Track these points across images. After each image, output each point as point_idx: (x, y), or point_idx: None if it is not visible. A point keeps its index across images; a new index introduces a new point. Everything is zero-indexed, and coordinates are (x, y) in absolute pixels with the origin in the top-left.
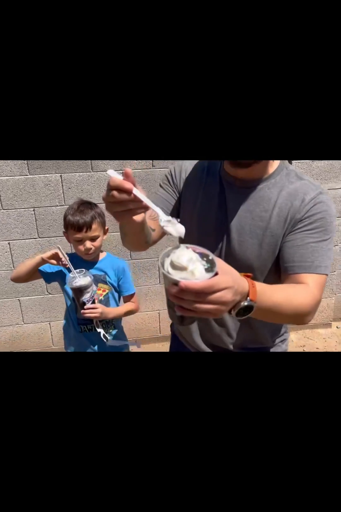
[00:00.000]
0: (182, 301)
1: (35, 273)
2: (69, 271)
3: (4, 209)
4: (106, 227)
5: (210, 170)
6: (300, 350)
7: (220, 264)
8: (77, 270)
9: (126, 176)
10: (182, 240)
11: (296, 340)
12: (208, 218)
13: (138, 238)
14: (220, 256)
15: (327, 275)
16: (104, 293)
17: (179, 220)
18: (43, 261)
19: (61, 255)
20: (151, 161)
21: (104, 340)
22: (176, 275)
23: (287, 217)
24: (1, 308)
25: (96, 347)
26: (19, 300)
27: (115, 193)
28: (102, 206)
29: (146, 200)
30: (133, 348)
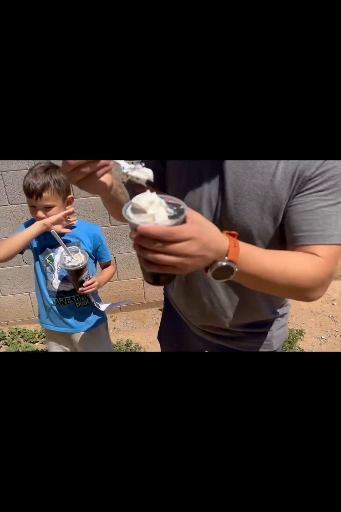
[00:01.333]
0: (142, 250)
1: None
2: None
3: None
4: (70, 196)
5: None
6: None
7: (190, 213)
8: (70, 248)
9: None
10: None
11: None
12: (199, 176)
13: (117, 206)
14: (213, 222)
15: (340, 243)
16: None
17: (143, 165)
18: (46, 228)
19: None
20: None
21: (97, 307)
22: (135, 219)
23: (295, 174)
24: (13, 301)
25: (72, 320)
26: (29, 294)
27: (69, 161)
28: None
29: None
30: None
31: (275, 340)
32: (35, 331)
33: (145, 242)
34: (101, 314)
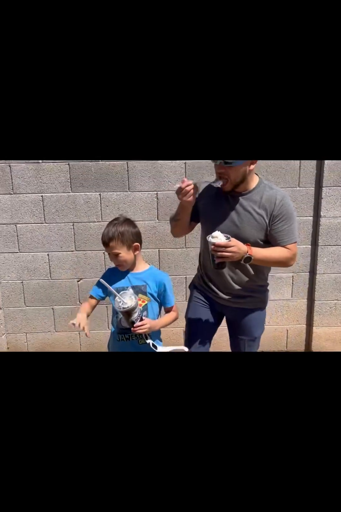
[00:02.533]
0: (217, 252)
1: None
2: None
3: (46, 223)
4: (134, 244)
5: (219, 191)
6: None
7: (232, 238)
8: (121, 293)
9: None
10: (211, 225)
11: None
12: (219, 212)
13: (187, 220)
14: (230, 234)
15: (296, 241)
16: (143, 304)
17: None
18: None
19: (105, 284)
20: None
21: (154, 348)
22: (213, 240)
23: (267, 212)
24: (36, 315)
25: None
26: (52, 308)
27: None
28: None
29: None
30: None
31: (265, 299)
32: None
33: (219, 248)
34: (173, 349)
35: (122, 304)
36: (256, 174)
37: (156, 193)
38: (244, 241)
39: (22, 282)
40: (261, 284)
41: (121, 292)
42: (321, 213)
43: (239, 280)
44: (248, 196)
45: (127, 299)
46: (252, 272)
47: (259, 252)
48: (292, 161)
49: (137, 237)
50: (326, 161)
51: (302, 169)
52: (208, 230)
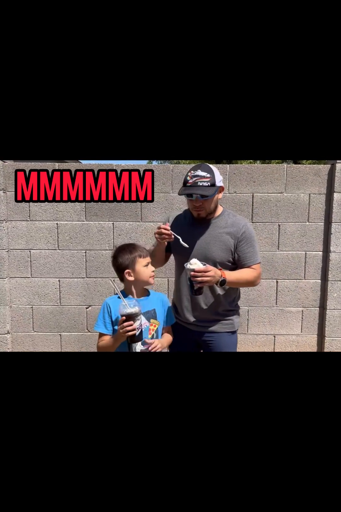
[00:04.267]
0: (196, 277)
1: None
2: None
3: (59, 249)
4: (127, 271)
5: (186, 215)
6: None
7: (208, 264)
8: (127, 300)
9: (164, 226)
10: (184, 254)
11: None
12: (190, 238)
13: (162, 255)
14: (200, 258)
15: (260, 262)
16: (155, 328)
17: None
18: (121, 337)
19: (114, 287)
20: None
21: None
22: (192, 267)
23: (232, 236)
24: (43, 341)
25: None
26: (60, 335)
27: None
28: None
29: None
30: None
31: (234, 323)
32: None
33: (198, 274)
34: None
35: (126, 308)
36: (221, 205)
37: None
38: (213, 262)
39: (32, 307)
40: (228, 309)
41: (130, 301)
42: (331, 248)
43: (208, 303)
44: (215, 221)
45: (132, 305)
46: (222, 294)
47: (231, 275)
48: (302, 196)
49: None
50: (335, 197)
51: (311, 205)
52: (181, 258)
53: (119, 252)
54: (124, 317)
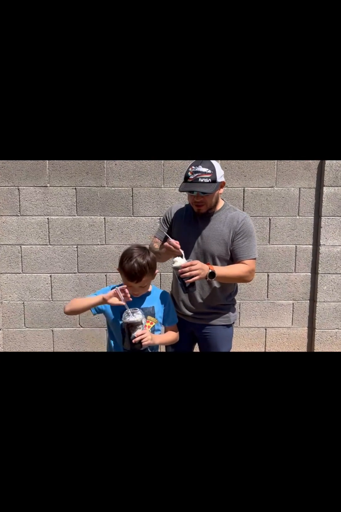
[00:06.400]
0: (184, 273)
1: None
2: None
3: (51, 245)
4: (156, 271)
5: (187, 210)
6: None
7: (193, 259)
8: (132, 309)
9: (175, 244)
10: (183, 249)
11: None
12: (190, 232)
13: (167, 258)
14: (199, 252)
15: (256, 258)
16: (151, 326)
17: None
18: (104, 301)
19: (119, 296)
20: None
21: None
22: (176, 265)
23: (231, 230)
24: (35, 337)
25: None
26: (52, 331)
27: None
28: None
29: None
30: None
31: (229, 316)
32: None
33: (184, 269)
34: None
35: (129, 316)
36: (222, 199)
37: (160, 218)
38: (212, 256)
39: (23, 303)
40: (224, 303)
41: (132, 308)
42: (321, 241)
43: (205, 297)
44: (215, 216)
45: (135, 314)
46: (218, 288)
47: (221, 269)
48: (292, 191)
49: (155, 262)
50: (324, 191)
51: (301, 199)
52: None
53: (125, 255)
54: (126, 323)
